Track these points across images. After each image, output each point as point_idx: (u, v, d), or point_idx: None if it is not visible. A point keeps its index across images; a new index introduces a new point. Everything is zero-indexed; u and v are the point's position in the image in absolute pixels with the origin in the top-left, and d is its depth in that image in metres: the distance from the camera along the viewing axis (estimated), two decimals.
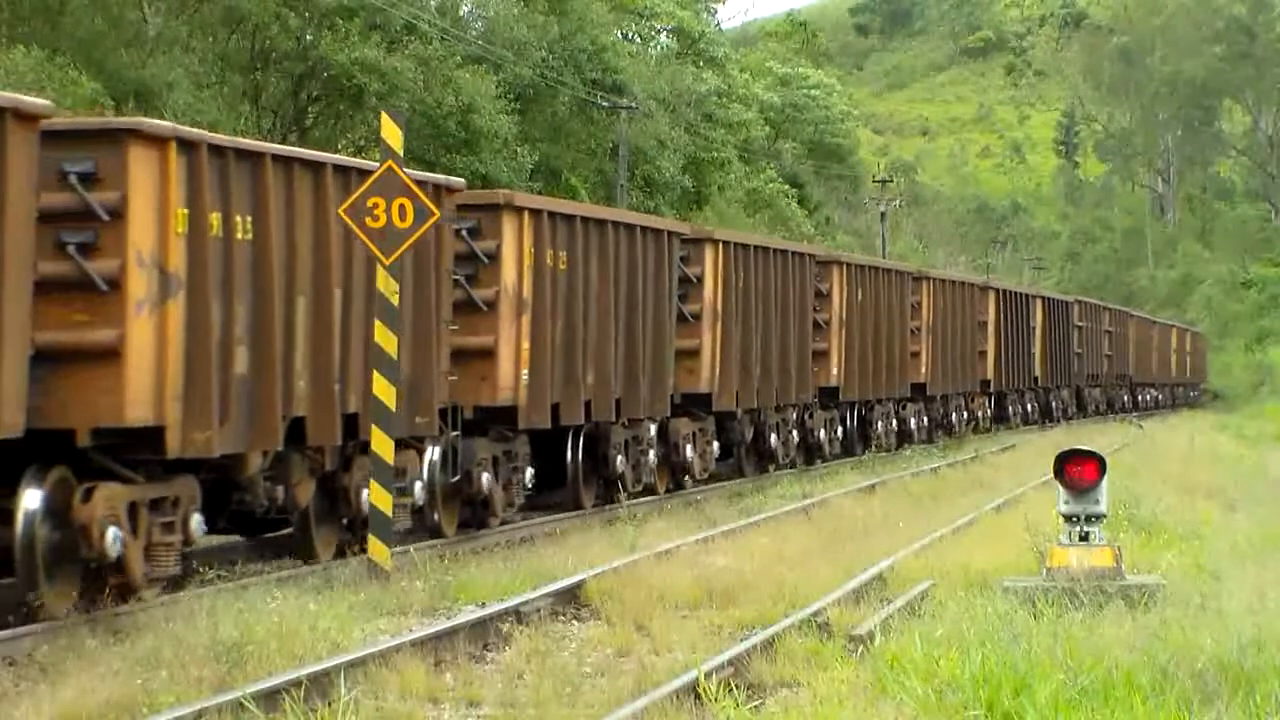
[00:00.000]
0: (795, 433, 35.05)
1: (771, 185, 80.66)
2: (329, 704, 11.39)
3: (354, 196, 18.16)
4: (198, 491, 16.63)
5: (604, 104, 58.13)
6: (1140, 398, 77.73)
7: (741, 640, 14.18)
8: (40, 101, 14.89)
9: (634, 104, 58.60)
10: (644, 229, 27.19)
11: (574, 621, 16.10)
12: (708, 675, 12.01)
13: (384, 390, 18.11)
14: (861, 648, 13.25)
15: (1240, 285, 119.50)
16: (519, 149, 51.38)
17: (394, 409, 18.17)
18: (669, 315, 27.84)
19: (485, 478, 22.21)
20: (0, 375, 14.03)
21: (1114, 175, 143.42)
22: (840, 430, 38.24)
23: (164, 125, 16.48)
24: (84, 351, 15.35)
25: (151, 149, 15.78)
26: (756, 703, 11.87)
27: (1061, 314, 60.89)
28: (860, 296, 38.97)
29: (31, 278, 14.49)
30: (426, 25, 49.92)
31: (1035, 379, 56.97)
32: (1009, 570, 16.50)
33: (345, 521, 19.54)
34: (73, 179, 15.42)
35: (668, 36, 73.46)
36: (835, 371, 37.37)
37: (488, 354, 22.48)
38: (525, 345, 23.03)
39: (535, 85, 55.14)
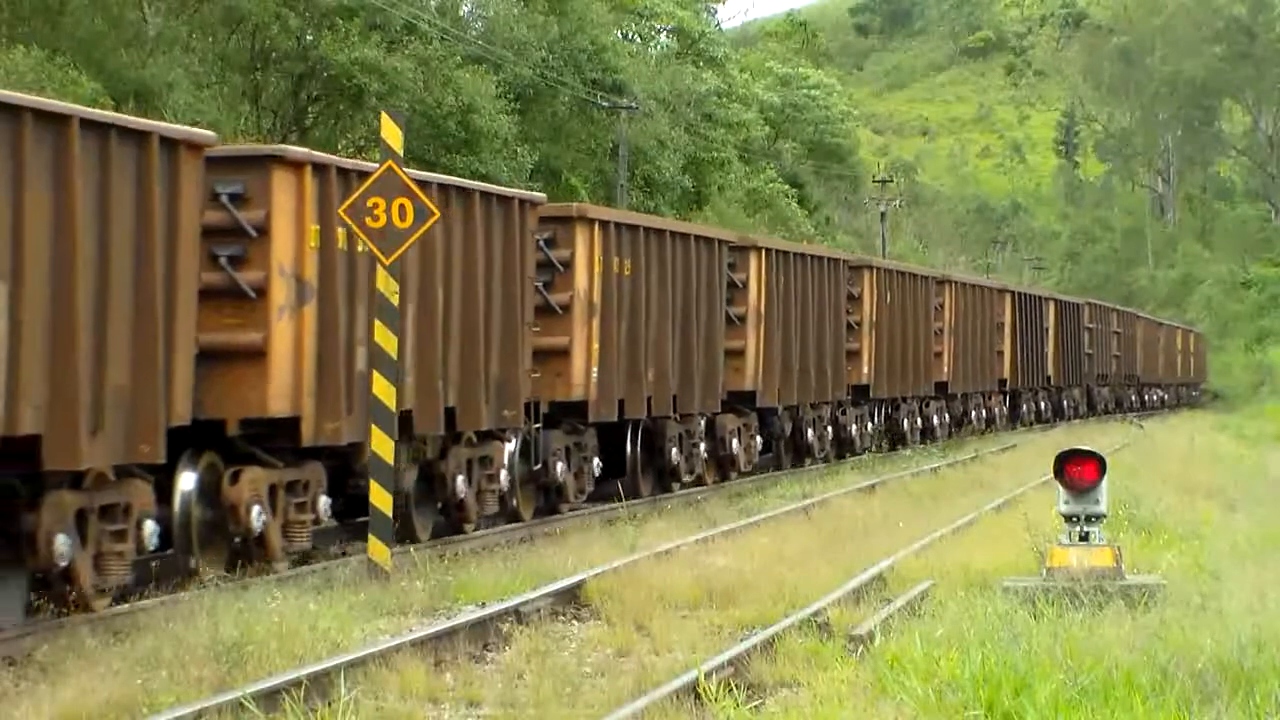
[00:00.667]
0: (830, 428, 36.97)
1: (771, 185, 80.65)
2: (329, 704, 11.39)
3: (354, 196, 18.21)
4: (324, 476, 18.79)
5: (604, 104, 58.14)
6: (1146, 397, 79.33)
7: (741, 640, 14.17)
8: (206, 133, 16.81)
9: (634, 104, 58.61)
10: (698, 237, 29.38)
11: (574, 621, 16.10)
12: (708, 675, 12.01)
13: (384, 390, 18.11)
14: (861, 648, 13.25)
15: (1240, 285, 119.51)
16: (519, 149, 51.38)
17: (393, 409, 18.18)
18: (719, 318, 30.01)
19: (560, 467, 24.32)
20: (175, 373, 15.87)
21: (1114, 175, 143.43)
22: (870, 426, 40.12)
23: (300, 151, 18.64)
24: (234, 351, 17.49)
25: (290, 173, 17.98)
26: (756, 703, 11.87)
27: (1073, 316, 62.31)
28: (889, 299, 40.95)
29: (196, 288, 16.35)
30: (426, 25, 49.93)
31: (1049, 378, 58.34)
32: (1009, 570, 16.50)
33: (440, 505, 21.47)
34: (224, 199, 17.57)
35: (668, 36, 73.47)
36: (866, 370, 39.32)
37: (563, 353, 24.79)
38: (595, 345, 25.20)
39: (535, 85, 55.16)
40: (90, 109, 16.03)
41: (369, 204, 18.01)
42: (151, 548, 15.94)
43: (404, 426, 19.36)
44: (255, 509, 17.47)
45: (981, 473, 34.24)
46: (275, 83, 49.20)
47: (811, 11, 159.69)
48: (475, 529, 22.15)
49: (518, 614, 15.47)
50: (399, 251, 18.12)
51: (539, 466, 23.97)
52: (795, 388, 34.01)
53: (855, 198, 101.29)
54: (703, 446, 29.52)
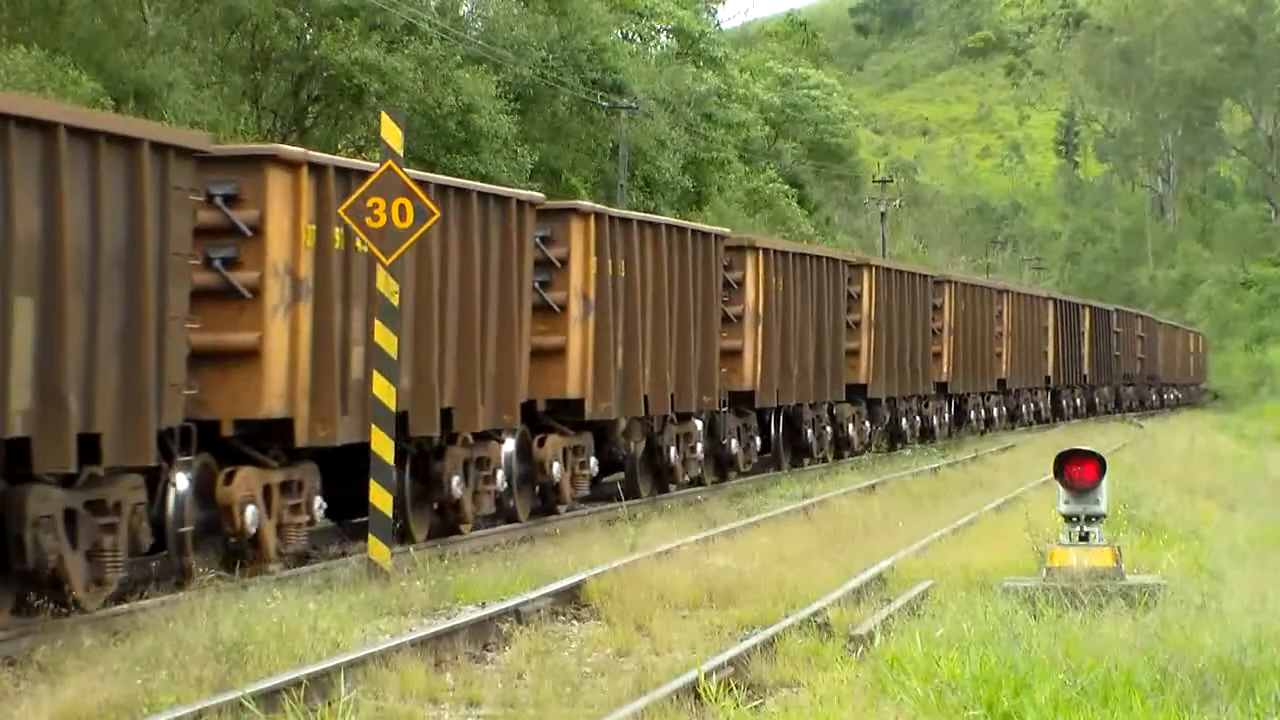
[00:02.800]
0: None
1: (771, 185, 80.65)
2: (329, 704, 11.38)
3: (353, 196, 18.20)
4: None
5: (604, 104, 58.13)
6: (1164, 396, 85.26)
7: (741, 640, 14.16)
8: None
9: (634, 104, 58.60)
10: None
11: (574, 621, 16.09)
12: (708, 675, 12.01)
13: (384, 390, 18.10)
14: (861, 648, 13.24)
15: (1240, 285, 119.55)
16: (519, 149, 51.37)
17: (393, 409, 18.17)
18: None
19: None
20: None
21: (1114, 175, 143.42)
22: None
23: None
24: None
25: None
26: (756, 703, 11.87)
27: (1103, 321, 69.09)
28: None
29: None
30: (426, 25, 49.93)
31: (1084, 377, 65.03)
32: (1009, 570, 16.49)
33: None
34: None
35: (668, 36, 73.46)
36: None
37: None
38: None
39: (535, 85, 55.15)
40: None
41: (369, 204, 18.01)
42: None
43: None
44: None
45: (981, 473, 34.25)
46: (275, 83, 49.18)
47: (811, 11, 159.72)
48: (472, 529, 22.08)
49: (518, 614, 15.46)
50: (399, 251, 18.12)
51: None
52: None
53: (855, 198, 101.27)
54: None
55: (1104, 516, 15.21)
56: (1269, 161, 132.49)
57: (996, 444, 45.21)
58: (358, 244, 18.46)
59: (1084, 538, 15.00)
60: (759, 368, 32.20)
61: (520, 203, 22.70)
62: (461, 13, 55.75)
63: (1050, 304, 59.32)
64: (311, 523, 18.87)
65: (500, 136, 49.85)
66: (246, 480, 17.51)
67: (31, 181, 14.13)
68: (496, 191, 22.77)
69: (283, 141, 45.47)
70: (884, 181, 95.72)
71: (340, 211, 18.22)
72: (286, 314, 17.85)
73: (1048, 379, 58.31)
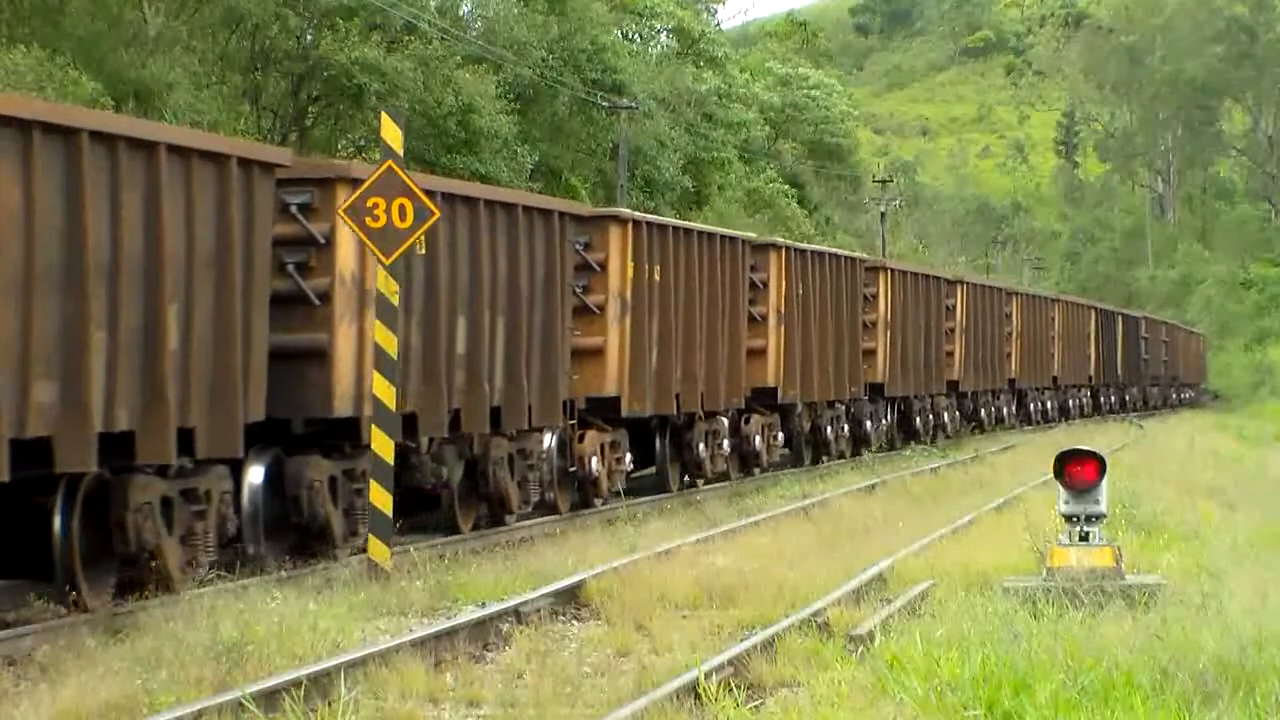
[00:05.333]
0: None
1: (771, 185, 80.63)
2: (329, 704, 11.38)
3: (353, 196, 18.22)
4: None
5: (604, 104, 58.10)
6: (1182, 395, 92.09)
7: (741, 640, 14.16)
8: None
9: (634, 104, 58.58)
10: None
11: (574, 621, 16.09)
12: (708, 675, 12.01)
13: (384, 390, 18.10)
14: (861, 648, 13.23)
15: (1240, 285, 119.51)
16: (519, 149, 51.34)
17: (393, 409, 18.18)
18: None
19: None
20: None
21: (1114, 175, 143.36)
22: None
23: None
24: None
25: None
26: (756, 703, 11.87)
27: (1133, 327, 77.34)
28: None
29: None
30: (426, 25, 49.91)
31: (1119, 377, 73.23)
32: (1009, 570, 16.50)
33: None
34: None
35: (668, 36, 73.43)
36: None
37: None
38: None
39: (535, 85, 55.12)
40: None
41: (369, 204, 18.00)
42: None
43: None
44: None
45: (981, 473, 34.23)
46: (275, 83, 49.13)
47: (811, 11, 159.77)
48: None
49: (518, 614, 15.46)
50: (399, 251, 18.11)
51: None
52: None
53: (855, 198, 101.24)
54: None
55: (1104, 516, 15.21)
56: (1269, 161, 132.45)
57: (997, 444, 45.20)
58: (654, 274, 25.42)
59: (1084, 538, 15.00)
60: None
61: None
62: (461, 13, 55.70)
63: (1093, 312, 68.33)
64: (629, 472, 25.55)
65: (500, 136, 49.81)
66: (593, 440, 24.65)
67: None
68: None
69: (283, 141, 45.51)
70: (884, 181, 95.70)
71: (340, 212, 18.25)
72: (616, 323, 25.48)
73: (1090, 378, 67.13)
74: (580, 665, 13.64)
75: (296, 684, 11.57)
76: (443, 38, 50.04)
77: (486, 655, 14.29)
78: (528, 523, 23.38)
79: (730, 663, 12.86)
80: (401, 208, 17.99)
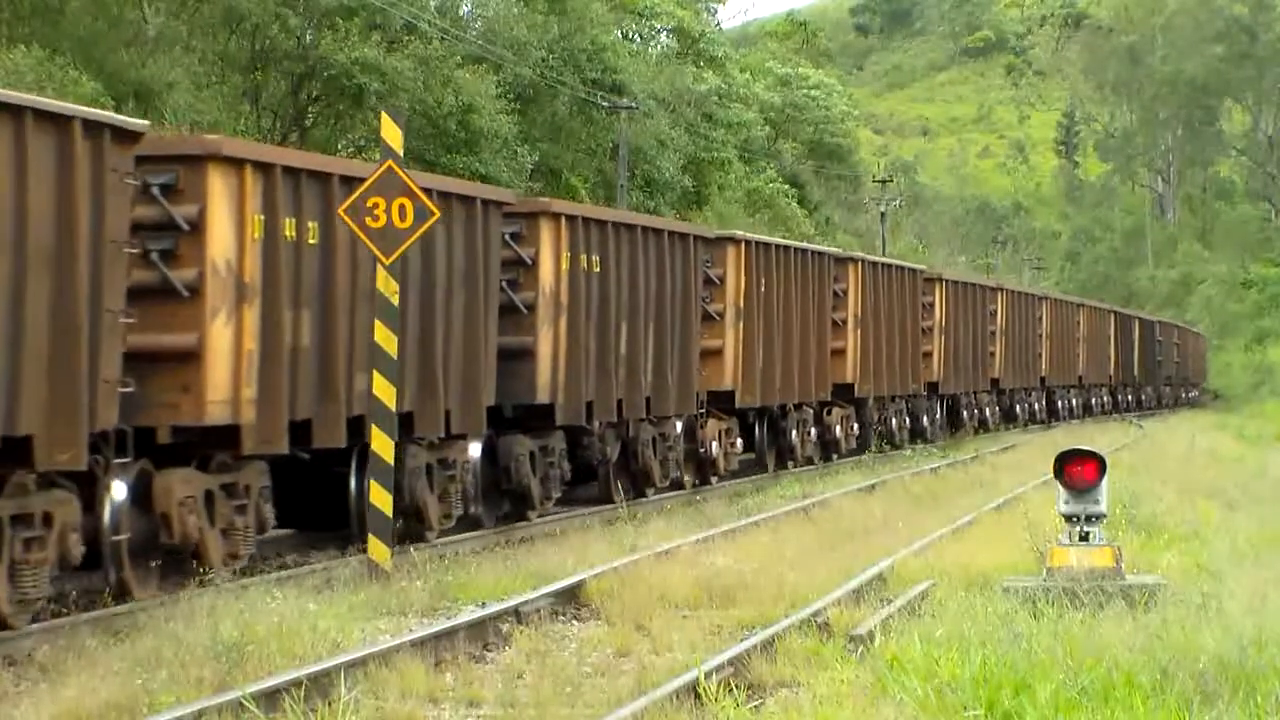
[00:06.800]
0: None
1: (771, 185, 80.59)
2: (329, 704, 11.38)
3: (353, 197, 18.19)
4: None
5: (604, 104, 58.08)
6: (1189, 394, 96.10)
7: (741, 640, 14.16)
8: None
9: (634, 104, 58.55)
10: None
11: (574, 621, 16.09)
12: (708, 675, 12.00)
13: (384, 390, 18.09)
14: (861, 648, 13.23)
15: (1240, 285, 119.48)
16: (519, 149, 51.32)
17: (393, 408, 18.17)
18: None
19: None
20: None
21: (1114, 175, 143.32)
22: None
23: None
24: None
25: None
26: (756, 703, 11.86)
27: (1150, 331, 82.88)
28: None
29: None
30: (426, 25, 49.90)
31: (1135, 377, 78.75)
32: (1009, 570, 16.49)
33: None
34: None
35: (668, 36, 73.41)
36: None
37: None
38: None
39: (535, 85, 55.10)
40: None
41: (369, 204, 17.98)
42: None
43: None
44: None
45: (981, 473, 34.22)
46: (275, 83, 49.12)
47: (811, 11, 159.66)
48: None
49: (518, 614, 15.46)
50: (399, 251, 18.11)
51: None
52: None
53: (855, 198, 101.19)
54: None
55: (1104, 516, 15.21)
56: (1269, 161, 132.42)
57: (997, 444, 45.20)
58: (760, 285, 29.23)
59: (1084, 538, 15.00)
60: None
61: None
62: (461, 13, 55.67)
63: (1112, 316, 73.94)
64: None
65: (500, 136, 49.79)
66: (714, 427, 28.91)
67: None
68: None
69: (283, 141, 45.50)
70: (884, 181, 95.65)
71: (340, 212, 18.21)
72: (733, 328, 30.30)
73: (1110, 378, 72.64)
74: (580, 665, 13.64)
75: (296, 684, 11.57)
76: (443, 38, 50.03)
77: (486, 655, 14.29)
78: (550, 517, 23.94)
79: (730, 663, 12.85)
80: (401, 208, 17.97)
